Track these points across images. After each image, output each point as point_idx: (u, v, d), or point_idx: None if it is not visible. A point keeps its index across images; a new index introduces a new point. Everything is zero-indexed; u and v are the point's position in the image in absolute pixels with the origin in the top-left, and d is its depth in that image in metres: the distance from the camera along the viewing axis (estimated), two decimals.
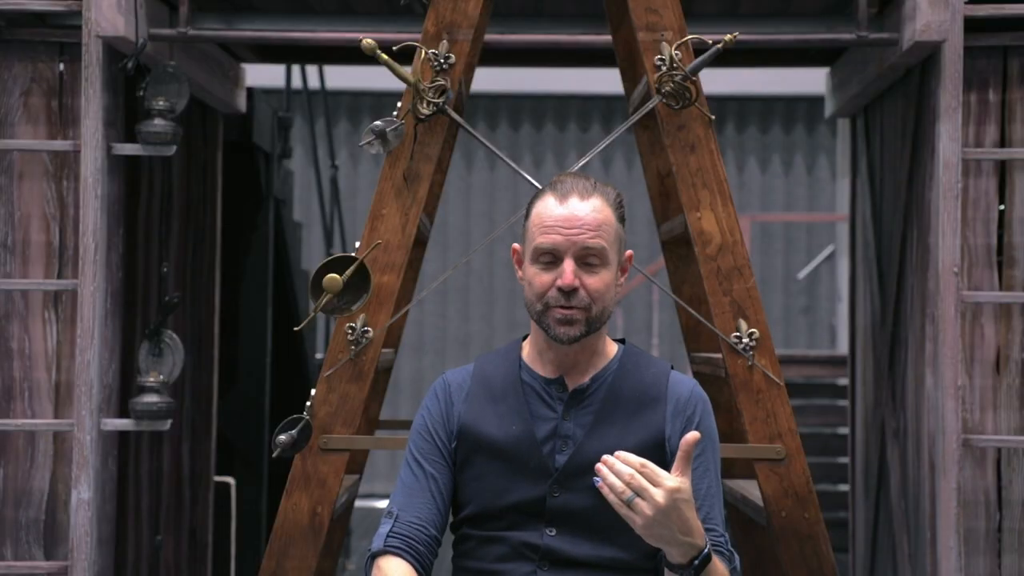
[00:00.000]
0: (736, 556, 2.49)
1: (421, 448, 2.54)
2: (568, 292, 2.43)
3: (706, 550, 2.32)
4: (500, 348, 2.63)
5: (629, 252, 2.54)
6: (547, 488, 2.44)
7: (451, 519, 2.57)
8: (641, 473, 2.26)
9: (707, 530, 2.40)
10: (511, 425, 2.48)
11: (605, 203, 2.47)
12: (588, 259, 2.44)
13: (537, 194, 2.52)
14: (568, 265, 2.43)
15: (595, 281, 2.44)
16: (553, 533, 2.45)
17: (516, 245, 2.55)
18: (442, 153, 3.41)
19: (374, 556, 2.49)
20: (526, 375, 2.53)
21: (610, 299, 2.47)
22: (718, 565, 2.37)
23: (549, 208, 2.46)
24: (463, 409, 2.53)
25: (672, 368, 2.57)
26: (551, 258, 2.45)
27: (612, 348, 2.57)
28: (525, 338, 2.60)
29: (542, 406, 2.50)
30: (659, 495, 2.24)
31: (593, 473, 2.31)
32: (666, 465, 2.40)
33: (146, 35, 3.89)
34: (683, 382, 2.55)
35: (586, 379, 2.51)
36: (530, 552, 2.44)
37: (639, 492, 2.24)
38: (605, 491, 2.26)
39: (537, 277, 2.46)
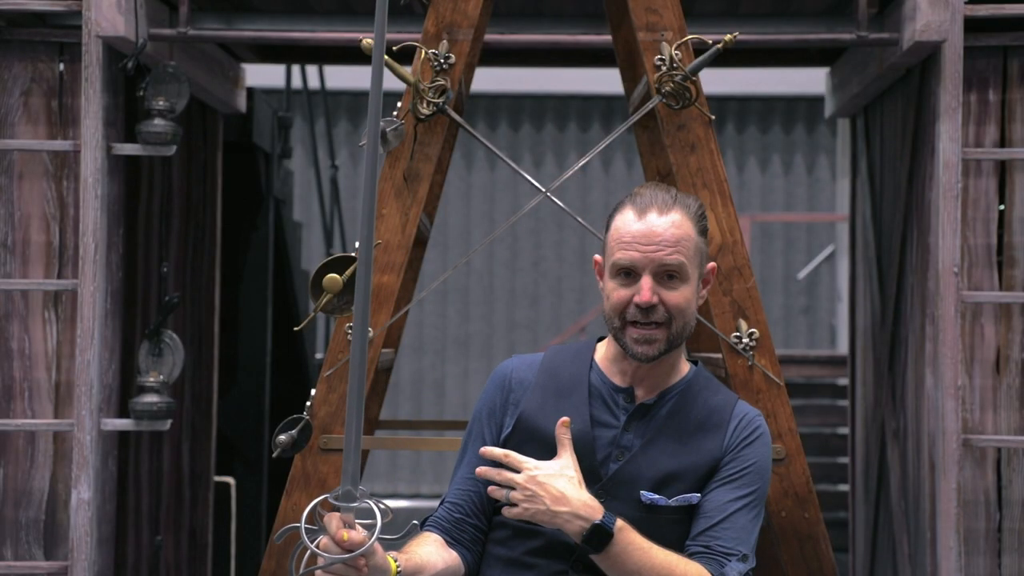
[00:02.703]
0: (735, 568, 2.41)
1: (471, 431, 2.57)
2: (646, 308, 2.41)
3: (598, 520, 2.30)
4: (573, 344, 2.62)
5: (712, 264, 2.52)
6: (594, 492, 2.40)
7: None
8: (505, 464, 2.34)
9: (711, 536, 2.40)
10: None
11: (685, 216, 2.44)
12: (667, 275, 2.42)
13: (617, 206, 2.49)
14: (646, 282, 2.40)
15: (674, 296, 2.42)
16: None
17: (597, 257, 2.52)
18: (442, 153, 3.41)
19: None
20: (595, 378, 2.52)
21: (690, 314, 2.45)
22: (640, 541, 2.33)
23: (627, 223, 2.43)
24: (525, 398, 2.52)
25: (739, 400, 2.56)
26: (629, 274, 2.43)
27: (684, 367, 2.55)
28: (600, 339, 2.59)
29: (605, 412, 2.49)
30: (520, 478, 2.32)
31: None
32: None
33: (146, 35, 3.89)
34: (747, 412, 2.53)
35: (654, 394, 2.50)
36: (565, 552, 2.42)
37: (508, 485, 2.33)
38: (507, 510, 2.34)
39: (615, 292, 2.44)
